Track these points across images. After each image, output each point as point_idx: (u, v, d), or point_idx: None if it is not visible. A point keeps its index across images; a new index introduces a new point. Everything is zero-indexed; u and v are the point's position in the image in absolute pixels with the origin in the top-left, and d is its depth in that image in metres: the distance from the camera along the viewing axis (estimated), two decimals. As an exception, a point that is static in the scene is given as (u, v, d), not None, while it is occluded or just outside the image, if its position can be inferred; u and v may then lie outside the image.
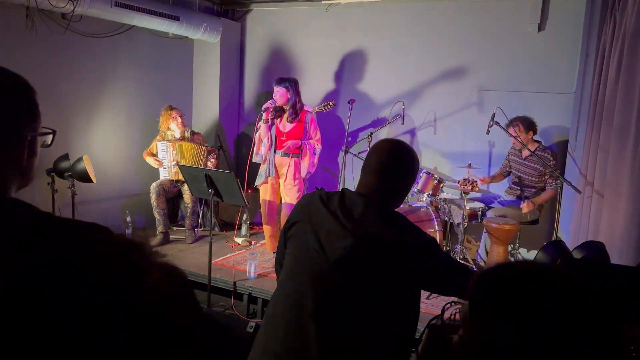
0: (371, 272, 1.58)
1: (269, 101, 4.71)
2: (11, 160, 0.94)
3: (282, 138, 4.73)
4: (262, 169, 4.83)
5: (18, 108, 0.94)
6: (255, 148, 4.83)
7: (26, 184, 0.98)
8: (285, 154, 4.70)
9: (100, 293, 0.55)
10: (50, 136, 1.04)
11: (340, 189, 1.77)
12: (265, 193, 4.85)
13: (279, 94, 4.65)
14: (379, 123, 5.53)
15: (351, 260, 1.59)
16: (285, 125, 4.73)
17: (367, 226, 1.60)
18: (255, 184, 4.94)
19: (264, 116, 4.68)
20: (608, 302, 0.76)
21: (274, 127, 4.73)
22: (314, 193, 1.77)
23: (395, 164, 1.72)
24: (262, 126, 4.74)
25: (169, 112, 5.19)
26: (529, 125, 4.54)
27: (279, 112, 4.72)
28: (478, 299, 0.80)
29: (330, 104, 4.84)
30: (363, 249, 1.59)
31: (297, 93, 4.70)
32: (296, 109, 4.68)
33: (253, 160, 4.86)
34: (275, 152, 4.73)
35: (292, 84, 4.67)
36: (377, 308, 1.62)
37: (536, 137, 4.64)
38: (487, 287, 0.81)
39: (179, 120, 5.21)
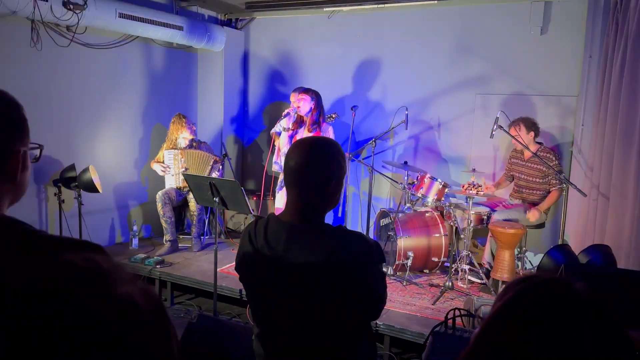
0: (309, 302, 1.53)
1: (290, 108, 4.66)
2: (4, 176, 0.96)
3: None
4: (281, 178, 4.76)
5: (8, 124, 0.96)
6: (275, 156, 4.78)
7: (18, 199, 0.99)
8: None
9: (64, 315, 0.55)
10: (38, 151, 1.06)
11: (269, 215, 1.64)
12: (280, 201, 4.74)
13: (304, 101, 4.57)
14: (384, 129, 5.53)
15: (285, 295, 1.54)
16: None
17: (290, 257, 1.50)
18: (277, 190, 4.83)
19: (285, 123, 4.60)
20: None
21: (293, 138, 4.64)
22: (246, 228, 1.66)
23: (315, 164, 1.54)
24: (283, 135, 4.65)
25: (182, 119, 5.23)
26: (530, 125, 4.51)
27: (298, 121, 4.65)
28: (518, 311, 0.81)
29: (333, 116, 4.81)
30: (293, 282, 1.52)
31: (320, 105, 4.65)
32: (318, 121, 4.61)
33: (272, 169, 4.80)
34: None
35: (316, 95, 4.63)
36: (331, 333, 1.57)
37: (538, 139, 4.62)
38: (529, 302, 0.81)
39: (194, 128, 5.32)
